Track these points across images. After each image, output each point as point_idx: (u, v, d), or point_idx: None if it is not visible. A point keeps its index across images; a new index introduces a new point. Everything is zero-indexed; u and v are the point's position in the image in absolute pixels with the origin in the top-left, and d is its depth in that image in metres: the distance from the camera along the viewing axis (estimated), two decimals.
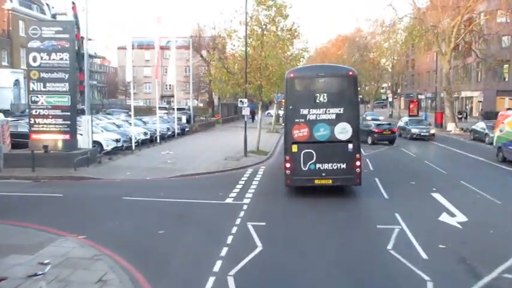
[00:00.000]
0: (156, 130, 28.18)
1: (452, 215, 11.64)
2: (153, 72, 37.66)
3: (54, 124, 18.52)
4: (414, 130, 32.12)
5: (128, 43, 27.21)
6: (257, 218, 11.30)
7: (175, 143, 28.58)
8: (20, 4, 48.63)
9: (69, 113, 18.61)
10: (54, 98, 18.41)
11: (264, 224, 10.81)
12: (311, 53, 62.50)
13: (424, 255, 8.71)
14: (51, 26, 18.92)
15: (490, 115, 41.36)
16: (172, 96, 45.95)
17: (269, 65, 22.37)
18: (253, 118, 42.06)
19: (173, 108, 37.46)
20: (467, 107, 58.66)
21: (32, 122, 18.69)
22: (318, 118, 13.25)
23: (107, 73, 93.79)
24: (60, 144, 18.59)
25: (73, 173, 17.02)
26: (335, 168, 13.18)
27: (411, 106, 55.77)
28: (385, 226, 10.60)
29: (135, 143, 24.20)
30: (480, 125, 31.79)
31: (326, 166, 13.18)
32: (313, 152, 13.19)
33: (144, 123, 30.63)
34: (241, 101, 23.00)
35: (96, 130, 22.26)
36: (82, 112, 23.88)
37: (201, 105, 67.18)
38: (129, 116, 29.46)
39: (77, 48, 38.07)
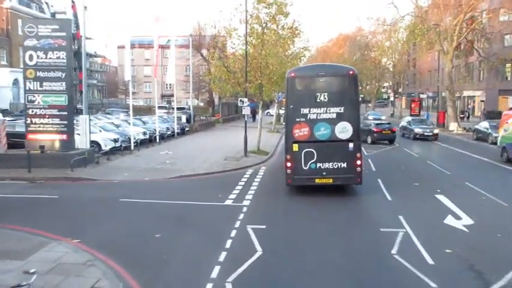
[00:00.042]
0: (155, 130, 27.89)
1: (457, 217, 11.32)
2: (153, 71, 37.35)
3: (51, 124, 18.21)
4: (417, 130, 31.72)
5: (127, 42, 26.93)
6: (257, 220, 11.01)
7: (174, 143, 28.28)
8: (19, 3, 48.38)
9: (66, 113, 18.30)
10: (51, 97, 18.10)
11: (264, 227, 10.51)
12: (312, 52, 62.22)
13: (430, 261, 8.40)
14: (48, 24, 18.61)
15: (492, 114, 41.03)
16: (173, 95, 45.58)
17: (270, 64, 22.05)
18: (254, 117, 41.74)
19: (173, 108, 37.17)
20: (469, 106, 58.30)
21: (28, 121, 18.37)
22: (318, 117, 13.29)
23: (107, 72, 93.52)
24: (57, 145, 18.29)
25: (70, 174, 16.73)
26: (336, 167, 13.22)
27: (413, 105, 55.42)
28: (389, 229, 10.29)
29: (134, 143, 23.91)
30: (483, 125, 31.41)
31: (327, 165, 13.21)
32: (314, 151, 13.22)
33: (144, 122, 30.36)
34: (241, 100, 22.74)
35: (94, 130, 21.99)
36: (81, 111, 23.58)
37: (202, 104, 66.87)
38: (129, 115, 29.16)
39: (76, 47, 37.74)
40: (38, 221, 10.89)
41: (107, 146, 21.70)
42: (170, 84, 53.18)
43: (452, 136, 35.02)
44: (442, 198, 13.37)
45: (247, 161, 20.55)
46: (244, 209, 12.12)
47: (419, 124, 33.10)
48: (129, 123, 26.48)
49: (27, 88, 18.27)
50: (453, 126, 39.06)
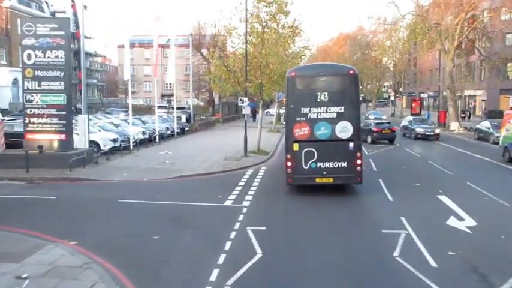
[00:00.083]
0: (155, 129, 27.74)
1: (460, 218, 11.17)
2: (153, 70, 37.21)
3: (50, 124, 18.07)
4: (419, 130, 31.53)
5: (127, 41, 26.76)
6: (257, 222, 10.85)
7: (174, 142, 28.13)
8: (18, 2, 48.31)
9: (64, 112, 18.16)
10: (49, 96, 17.96)
11: (264, 228, 10.35)
12: (312, 51, 62.07)
13: (433, 263, 8.24)
14: (46, 23, 18.48)
15: (494, 114, 40.88)
16: (172, 95, 45.44)
17: (270, 63, 21.90)
18: (254, 117, 41.57)
19: (173, 107, 37.01)
20: (470, 105, 58.11)
21: (26, 121, 18.22)
22: (318, 117, 13.26)
23: (107, 72, 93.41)
24: (55, 145, 18.15)
25: (68, 174, 16.58)
26: (336, 166, 13.21)
27: (414, 105, 55.20)
28: (391, 231, 10.13)
29: (133, 142, 23.75)
30: (485, 124, 31.23)
31: (327, 165, 13.20)
32: (314, 151, 13.20)
33: (143, 122, 30.20)
34: (241, 99, 22.58)
35: (93, 129, 21.83)
36: (81, 111, 23.43)
37: (202, 104, 66.72)
38: (128, 115, 28.99)
39: (76, 47, 37.44)
40: (35, 222, 10.74)
41: (106, 145, 21.52)
42: (170, 84, 53.11)
43: (454, 136, 34.85)
44: (444, 198, 13.22)
45: (247, 161, 20.40)
46: (244, 210, 11.97)
47: (420, 124, 32.93)
48: (129, 123, 26.34)
49: (26, 87, 18.13)
50: (454, 125, 38.90)
